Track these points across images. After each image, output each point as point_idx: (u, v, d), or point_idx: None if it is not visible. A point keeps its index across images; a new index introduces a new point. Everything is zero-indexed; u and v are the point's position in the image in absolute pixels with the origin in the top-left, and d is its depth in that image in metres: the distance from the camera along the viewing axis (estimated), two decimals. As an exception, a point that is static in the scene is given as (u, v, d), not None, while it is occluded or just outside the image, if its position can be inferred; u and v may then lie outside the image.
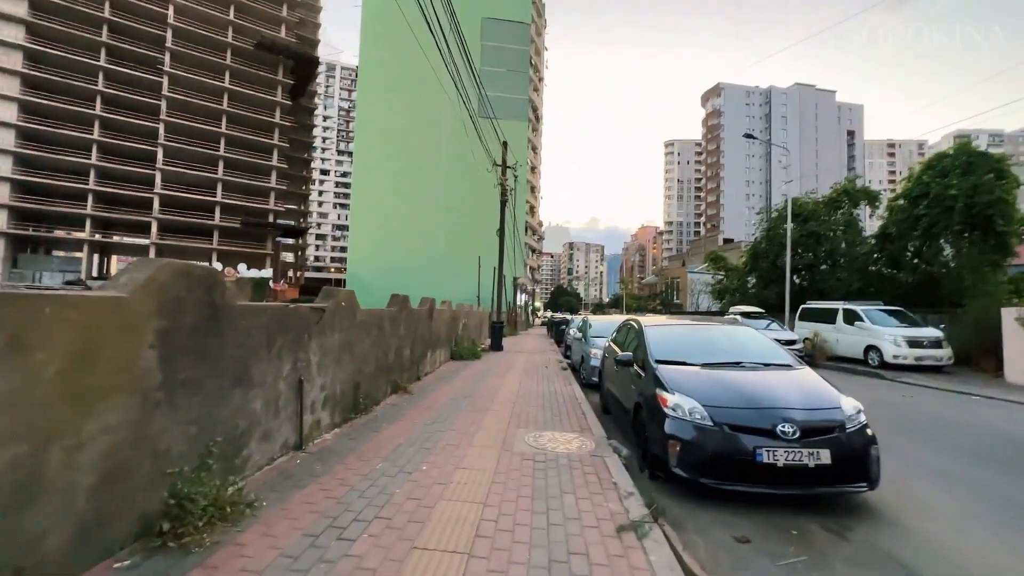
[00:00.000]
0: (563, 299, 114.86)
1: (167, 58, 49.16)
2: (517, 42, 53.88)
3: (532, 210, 63.93)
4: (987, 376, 12.58)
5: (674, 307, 48.35)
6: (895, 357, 12.95)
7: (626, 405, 4.98)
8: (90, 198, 46.14)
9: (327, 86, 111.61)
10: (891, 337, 13.26)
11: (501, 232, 15.02)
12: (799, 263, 22.37)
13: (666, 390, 3.99)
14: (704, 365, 4.41)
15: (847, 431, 3.51)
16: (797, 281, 23.24)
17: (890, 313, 14.48)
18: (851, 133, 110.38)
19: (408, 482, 3.29)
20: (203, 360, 2.69)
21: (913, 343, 13.04)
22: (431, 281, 41.72)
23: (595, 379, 8.80)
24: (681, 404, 3.77)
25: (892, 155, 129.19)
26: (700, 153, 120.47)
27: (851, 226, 22.50)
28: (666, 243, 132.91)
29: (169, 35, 49.01)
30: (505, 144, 15.18)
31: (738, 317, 17.41)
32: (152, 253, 49.28)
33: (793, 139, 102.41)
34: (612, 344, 6.74)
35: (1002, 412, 8.02)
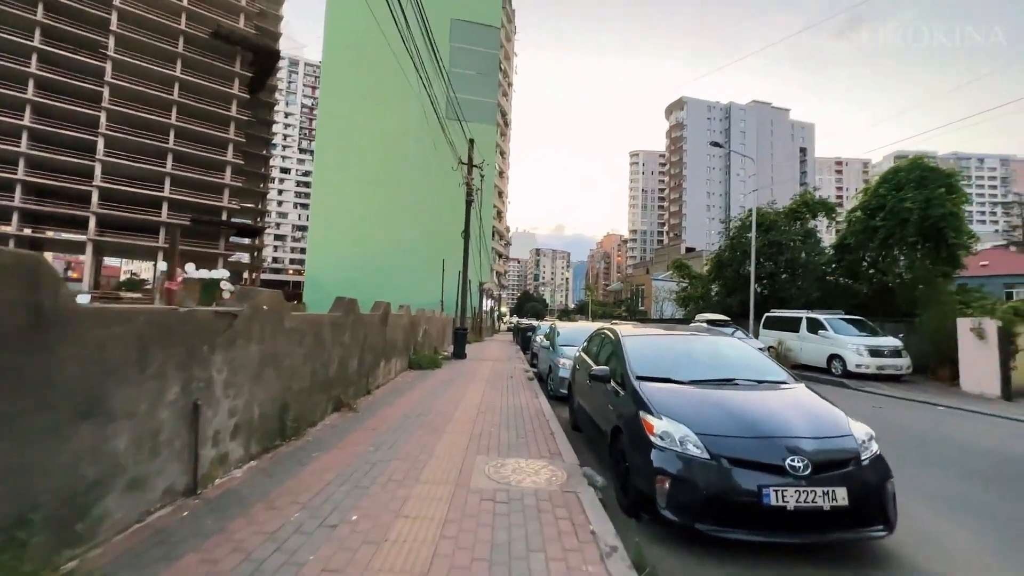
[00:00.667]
0: (529, 305, 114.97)
1: (111, 42, 45.91)
2: (486, 45, 53.45)
3: (499, 215, 63.40)
4: (943, 385, 12.80)
5: (639, 314, 48.76)
6: (858, 366, 13.02)
7: (602, 426, 4.36)
8: (19, 189, 42.34)
9: (289, 81, 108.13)
10: (854, 346, 13.34)
11: (466, 234, 14.26)
12: (761, 272, 22.65)
13: (651, 413, 3.38)
14: (692, 383, 3.83)
15: (862, 463, 3.00)
16: (759, 290, 23.55)
17: (851, 322, 14.62)
18: (803, 150, 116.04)
19: (329, 542, 2.51)
20: (18, 387, 1.87)
21: (874, 352, 13.15)
22: (394, 285, 40.37)
23: (564, 391, 8.20)
24: (670, 431, 3.16)
25: (839, 172, 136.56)
26: (664, 164, 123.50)
27: (810, 236, 23.00)
28: (630, 251, 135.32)
29: (114, 18, 45.80)
30: (471, 141, 14.45)
31: (704, 324, 17.30)
32: (89, 250, 45.83)
33: (750, 153, 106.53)
34: (583, 355, 6.14)
35: (973, 424, 7.92)
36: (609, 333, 5.27)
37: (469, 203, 14.16)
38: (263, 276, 76.71)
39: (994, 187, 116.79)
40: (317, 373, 4.97)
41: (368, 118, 46.82)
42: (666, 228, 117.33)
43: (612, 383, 4.25)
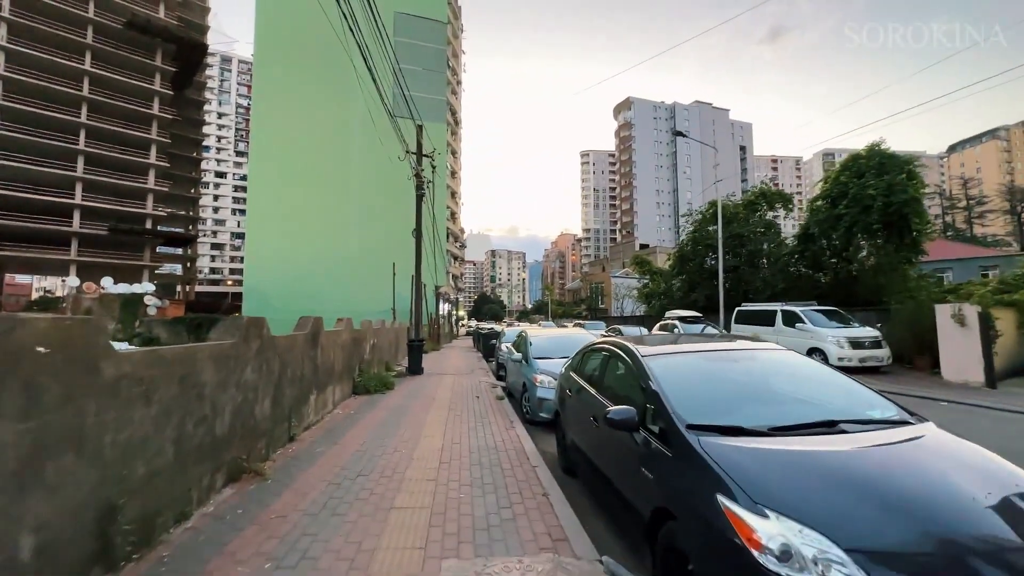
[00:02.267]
0: (487, 307, 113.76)
1: (3, 31, 40.53)
2: (433, 41, 51.49)
3: (453, 216, 61.48)
4: (923, 374, 12.42)
5: (600, 312, 48.27)
6: (840, 359, 12.38)
7: (628, 496, 2.91)
8: None
9: (223, 80, 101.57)
10: (834, 339, 12.73)
11: (417, 232, 12.50)
12: (725, 265, 22.25)
13: (738, 501, 1.96)
14: (776, 432, 2.46)
15: None
16: (712, 287, 23.21)
17: (826, 313, 14.08)
18: (743, 148, 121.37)
19: None
20: None
21: (856, 344, 12.60)
22: (343, 293, 37.67)
23: (544, 415, 6.77)
24: (794, 546, 1.75)
25: (775, 169, 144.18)
26: (614, 163, 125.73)
27: (770, 228, 22.84)
28: (585, 250, 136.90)
29: (6, 2, 40.39)
30: (420, 127, 12.74)
31: (677, 323, 16.48)
32: (-17, 267, 40.18)
33: (695, 151, 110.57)
34: (575, 376, 4.70)
35: (983, 421, 7.17)
36: (618, 351, 3.82)
37: (420, 197, 12.42)
38: (199, 288, 70.99)
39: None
40: (189, 438, 3.25)
41: (307, 115, 43.71)
42: (619, 226, 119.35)
43: (644, 433, 2.81)
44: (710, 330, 16.14)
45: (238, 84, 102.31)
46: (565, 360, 7.40)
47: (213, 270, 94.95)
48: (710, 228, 23.73)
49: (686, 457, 2.38)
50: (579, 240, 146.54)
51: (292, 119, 43.53)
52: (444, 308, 43.30)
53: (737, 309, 16.77)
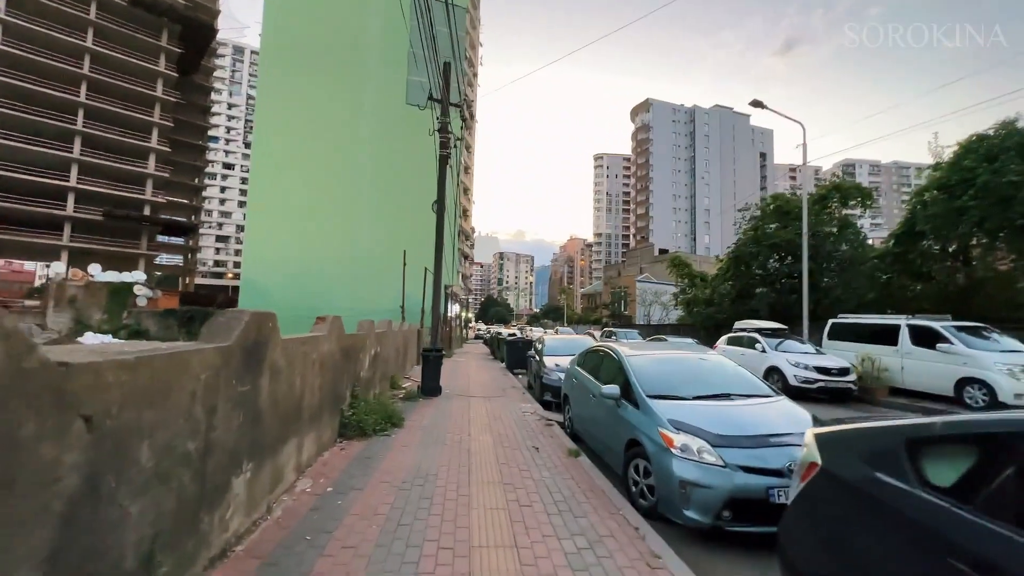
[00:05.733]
0: (494, 310, 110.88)
1: (1, 3, 38.18)
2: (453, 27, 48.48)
3: (465, 213, 58.46)
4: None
5: (623, 319, 44.82)
6: (1018, 396, 8.99)
7: None
8: None
9: (234, 70, 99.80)
10: (1005, 367, 9.30)
11: (440, 204, 9.11)
12: (792, 269, 18.87)
13: None
14: None
15: None
16: (774, 294, 19.90)
17: (968, 331, 10.70)
18: (763, 155, 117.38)
19: None
20: None
21: (1038, 375, 9.21)
22: (349, 288, 34.57)
23: (694, 516, 3.52)
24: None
25: (794, 178, 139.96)
26: (628, 167, 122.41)
27: (847, 226, 19.38)
28: (596, 255, 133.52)
29: (4, -27, 38.04)
30: (447, 65, 9.53)
31: (758, 336, 13.13)
32: (-32, 250, 37.62)
33: (714, 156, 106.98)
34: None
35: None
36: None
37: (444, 158, 9.18)
38: (199, 280, 68.49)
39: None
40: None
41: (315, 102, 40.66)
42: (632, 231, 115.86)
43: None
44: (793, 344, 12.80)
45: (249, 75, 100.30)
46: (729, 403, 4.13)
47: (217, 263, 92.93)
48: (771, 226, 20.42)
49: None
50: (589, 245, 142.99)
51: (299, 104, 40.54)
52: (454, 309, 40.11)
53: (832, 322, 13.31)
